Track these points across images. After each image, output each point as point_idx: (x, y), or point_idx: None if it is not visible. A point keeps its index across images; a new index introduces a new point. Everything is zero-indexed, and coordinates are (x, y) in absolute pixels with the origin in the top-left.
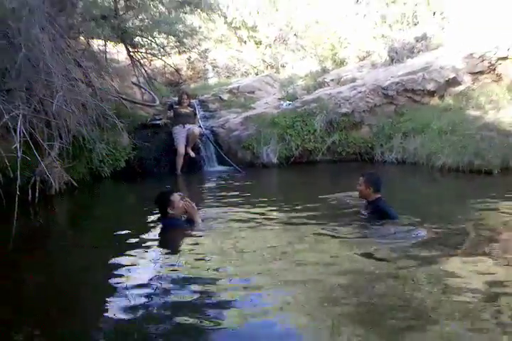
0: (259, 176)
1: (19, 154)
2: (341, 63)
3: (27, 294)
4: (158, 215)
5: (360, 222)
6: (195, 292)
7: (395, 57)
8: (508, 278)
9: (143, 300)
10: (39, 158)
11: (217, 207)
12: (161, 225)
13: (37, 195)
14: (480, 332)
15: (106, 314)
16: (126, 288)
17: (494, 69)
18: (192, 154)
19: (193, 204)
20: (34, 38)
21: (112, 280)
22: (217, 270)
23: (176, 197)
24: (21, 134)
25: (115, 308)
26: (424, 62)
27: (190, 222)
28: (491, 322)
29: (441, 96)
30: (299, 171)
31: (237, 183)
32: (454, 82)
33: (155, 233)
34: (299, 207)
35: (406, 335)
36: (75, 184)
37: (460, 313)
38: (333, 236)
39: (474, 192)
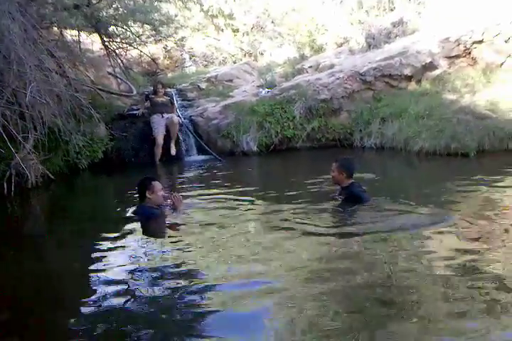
0: (240, 164)
1: None
2: (319, 50)
3: (5, 286)
4: (136, 206)
5: (338, 210)
6: (174, 287)
7: (372, 42)
8: (485, 255)
9: (122, 292)
10: (14, 151)
11: (198, 196)
12: (138, 213)
13: (13, 188)
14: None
15: (82, 308)
16: (105, 282)
17: (469, 53)
18: (173, 152)
19: (181, 198)
20: (4, 29)
21: (91, 273)
22: (196, 265)
23: (158, 184)
24: None
25: (92, 303)
26: (401, 47)
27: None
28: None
29: (418, 81)
30: (279, 158)
31: (217, 172)
32: (430, 66)
33: (133, 223)
34: (278, 195)
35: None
36: (52, 176)
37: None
38: (315, 227)
39: (452, 174)
